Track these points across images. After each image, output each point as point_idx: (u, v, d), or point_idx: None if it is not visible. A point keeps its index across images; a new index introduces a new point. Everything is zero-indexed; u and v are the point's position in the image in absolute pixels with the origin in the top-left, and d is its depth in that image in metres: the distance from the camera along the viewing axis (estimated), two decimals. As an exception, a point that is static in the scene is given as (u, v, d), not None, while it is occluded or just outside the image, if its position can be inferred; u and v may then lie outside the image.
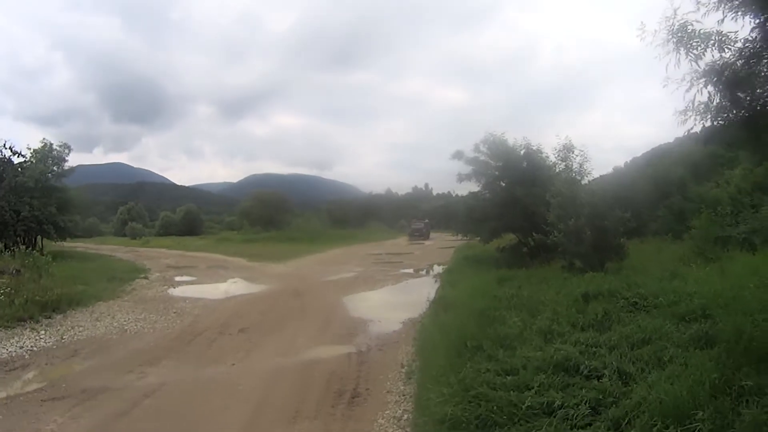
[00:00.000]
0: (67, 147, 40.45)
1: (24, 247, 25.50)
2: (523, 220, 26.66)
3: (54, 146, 39.52)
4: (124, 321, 17.14)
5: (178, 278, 29.58)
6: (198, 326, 16.59)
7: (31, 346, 13.74)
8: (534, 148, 28.66)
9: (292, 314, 18.37)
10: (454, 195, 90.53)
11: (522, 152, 28.62)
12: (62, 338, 14.67)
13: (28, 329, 15.27)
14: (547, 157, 28.16)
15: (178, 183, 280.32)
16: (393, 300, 21.89)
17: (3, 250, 24.22)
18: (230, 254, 45.32)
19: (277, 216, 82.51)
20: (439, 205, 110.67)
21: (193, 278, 29.82)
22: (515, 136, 29.08)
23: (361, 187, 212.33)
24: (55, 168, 39.25)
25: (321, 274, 30.27)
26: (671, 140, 69.32)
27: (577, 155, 26.36)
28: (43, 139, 39.22)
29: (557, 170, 27.13)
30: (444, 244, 54.74)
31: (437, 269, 31.95)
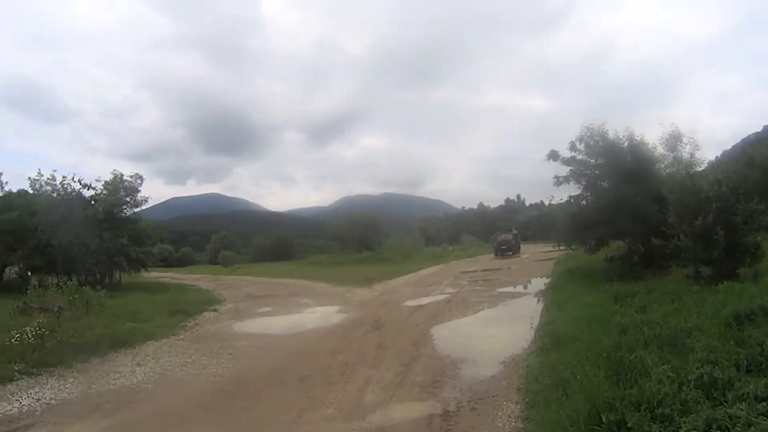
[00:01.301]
0: (139, 177, 39.07)
1: (93, 278, 24.29)
2: (634, 223, 22.79)
3: (125, 177, 38.08)
4: (169, 365, 14.95)
5: (251, 309, 26.94)
6: (251, 372, 14.16)
7: (50, 399, 11.90)
8: (638, 139, 24.85)
9: (367, 354, 15.15)
10: (547, 204, 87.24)
11: (625, 145, 24.82)
12: (89, 388, 12.73)
13: (55, 377, 13.50)
14: (654, 148, 24.70)
15: (272, 209, 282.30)
16: (490, 329, 18.23)
17: (53, 285, 21.87)
18: (316, 279, 42.34)
19: (367, 237, 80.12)
20: (533, 215, 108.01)
21: (268, 309, 27.06)
22: (615, 128, 25.36)
23: (453, 203, 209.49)
24: (127, 199, 37.72)
25: (409, 299, 27.03)
26: (759, 129, 65.83)
27: (686, 143, 23.78)
28: (114, 170, 37.86)
29: (666, 162, 24.35)
30: (540, 256, 50.58)
31: (538, 285, 28.16)
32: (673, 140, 23.81)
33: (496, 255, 63.41)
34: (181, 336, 19.47)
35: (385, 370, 13.07)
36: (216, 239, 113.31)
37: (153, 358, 15.68)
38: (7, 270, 33.80)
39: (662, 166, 24.57)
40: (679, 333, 10.39)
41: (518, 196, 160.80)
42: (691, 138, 23.80)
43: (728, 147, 65.92)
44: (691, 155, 23.78)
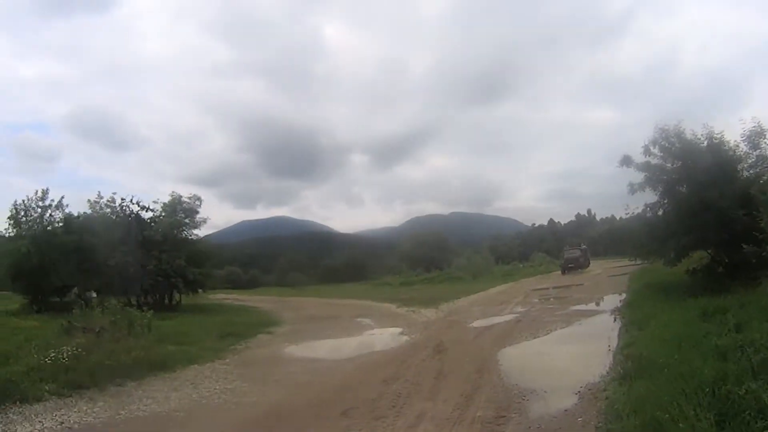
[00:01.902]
0: (197, 199, 38.98)
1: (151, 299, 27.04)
2: (719, 230, 20.50)
3: (183, 198, 37.80)
4: (207, 392, 13.92)
5: (308, 332, 25.62)
6: (293, 403, 12.68)
7: (75, 422, 11.23)
8: (718, 138, 22.62)
9: (425, 383, 13.39)
10: (618, 218, 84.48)
11: (704, 145, 22.67)
12: (117, 413, 11.88)
13: (85, 399, 12.80)
14: (737, 146, 22.34)
15: (341, 231, 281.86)
16: (562, 353, 16.22)
17: (100, 305, 21.17)
18: (382, 300, 40.90)
19: (437, 256, 78.66)
20: (604, 230, 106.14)
21: (326, 331, 25.62)
22: (692, 128, 23.22)
23: (523, 221, 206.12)
24: (186, 220, 37.67)
25: (476, 319, 25.17)
26: None
27: (772, 139, 20.81)
28: (173, 192, 37.18)
29: (750, 161, 22.06)
30: (614, 271, 47.88)
31: (613, 302, 25.93)
32: (757, 137, 21.48)
33: (563, 272, 60.20)
34: (227, 360, 18.35)
35: (443, 403, 11.39)
36: (284, 261, 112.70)
37: (191, 384, 14.68)
38: (71, 292, 33.11)
39: (745, 165, 22.30)
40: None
41: (588, 211, 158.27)
42: None
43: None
44: (778, 153, 21.47)
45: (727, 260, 22.00)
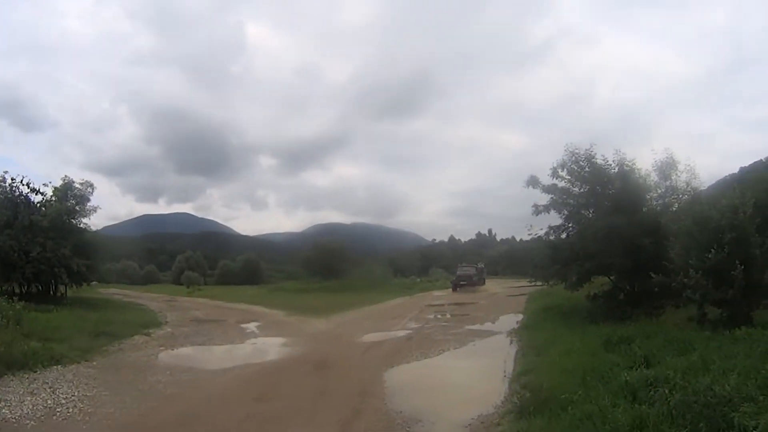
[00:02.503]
0: (90, 185, 35.41)
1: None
2: (625, 257, 19.67)
3: (75, 184, 34.58)
4: (64, 398, 12.05)
5: (188, 336, 23.79)
6: (153, 418, 10.96)
7: None
8: (629, 165, 21.91)
9: (301, 404, 11.93)
10: (519, 240, 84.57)
11: (614, 171, 21.95)
12: None
13: None
14: (648, 175, 21.77)
15: (243, 233, 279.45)
16: (454, 376, 14.94)
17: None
18: (273, 306, 38.96)
19: (337, 265, 77.26)
20: (504, 250, 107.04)
21: (207, 337, 23.73)
22: (603, 153, 22.49)
23: (424, 235, 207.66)
24: (77, 207, 34.58)
25: (366, 334, 23.68)
26: (736, 170, 63.67)
27: (682, 171, 20.99)
28: (65, 176, 34.43)
29: (659, 191, 21.62)
30: (511, 291, 47.41)
31: (510, 323, 25.06)
32: (668, 168, 21.01)
33: (454, 289, 56.81)
34: (95, 362, 16.51)
35: (317, 429, 10.04)
36: (181, 259, 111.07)
37: (50, 388, 12.86)
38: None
39: (655, 195, 21.82)
40: (717, 402, 7.34)
41: (489, 231, 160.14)
42: (688, 166, 20.94)
43: (704, 188, 63.77)
44: (687, 184, 20.92)
45: (629, 288, 21.28)
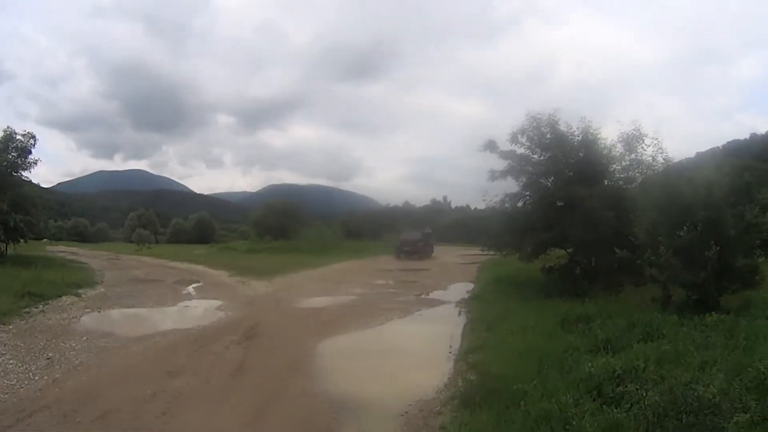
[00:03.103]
0: (32, 137, 33.17)
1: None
2: (585, 230, 18.22)
3: (17, 135, 32.34)
4: None
5: (120, 297, 22.03)
6: (49, 394, 9.46)
7: None
8: (593, 134, 20.54)
9: (218, 380, 10.52)
10: (473, 208, 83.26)
11: (578, 139, 20.53)
12: None
13: None
14: (613, 145, 20.39)
15: (197, 191, 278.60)
16: (395, 351, 13.41)
17: None
18: (218, 266, 37.20)
19: (289, 226, 75.78)
20: (458, 218, 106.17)
21: (139, 299, 21.99)
22: (566, 119, 20.90)
23: (379, 200, 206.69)
24: (18, 160, 32.86)
25: (308, 298, 22.30)
26: (692, 155, 63.46)
27: (648, 145, 19.64)
28: (7, 127, 32.47)
29: (623, 164, 20.39)
30: (463, 259, 45.92)
31: (461, 292, 23.78)
32: (635, 140, 19.69)
33: (398, 257, 49.05)
34: (11, 326, 14.85)
35: (229, 414, 8.62)
36: (133, 217, 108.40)
37: None
38: None
39: (618, 167, 20.55)
40: (701, 407, 6.07)
41: (444, 198, 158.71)
42: (656, 139, 19.63)
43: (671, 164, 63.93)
44: (653, 158, 19.67)
45: (586, 262, 20.13)
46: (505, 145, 21.52)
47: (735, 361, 7.77)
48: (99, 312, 18.31)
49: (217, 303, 20.79)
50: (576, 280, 19.47)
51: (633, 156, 19.93)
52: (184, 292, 24.54)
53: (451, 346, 12.92)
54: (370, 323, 16.62)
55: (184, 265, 40.25)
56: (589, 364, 8.34)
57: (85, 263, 38.37)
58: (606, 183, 20.19)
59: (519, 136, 21.05)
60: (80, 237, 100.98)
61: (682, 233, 12.71)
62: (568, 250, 20.74)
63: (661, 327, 11.01)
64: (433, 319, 17.74)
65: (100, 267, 36.08)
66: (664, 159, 19.32)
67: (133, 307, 20.05)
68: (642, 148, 19.77)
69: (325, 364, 11.65)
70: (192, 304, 20.92)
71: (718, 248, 12.27)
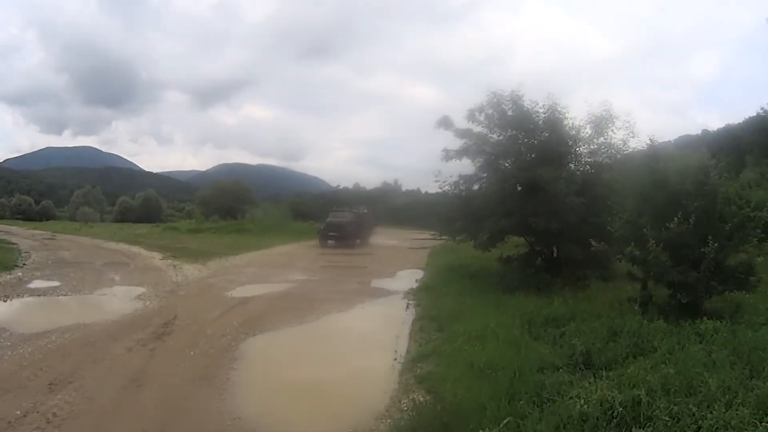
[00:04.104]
0: None
1: None
2: (549, 218, 16.10)
3: None
4: None
5: (32, 283, 19.87)
6: None
7: None
8: (561, 112, 18.26)
9: (105, 396, 8.26)
10: (424, 192, 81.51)
11: (543, 118, 18.24)
12: None
13: None
14: (582, 127, 18.26)
15: (147, 169, 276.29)
16: (331, 357, 11.11)
17: None
18: (153, 248, 34.72)
19: (236, 206, 73.67)
20: (408, 202, 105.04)
21: (56, 284, 19.61)
22: (531, 96, 18.62)
23: (330, 181, 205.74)
24: None
25: (241, 285, 20.03)
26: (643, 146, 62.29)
27: (619, 128, 17.52)
28: None
29: (591, 147, 18.39)
30: (415, 243, 43.79)
31: (409, 280, 21.72)
32: (604, 122, 17.66)
33: (322, 244, 39.61)
34: None
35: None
36: (79, 195, 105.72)
37: None
38: None
39: (586, 150, 18.55)
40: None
41: (395, 181, 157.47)
42: (627, 122, 17.57)
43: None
44: (624, 142, 17.66)
45: (548, 252, 18.19)
46: (461, 123, 19.40)
47: (764, 395, 6.00)
48: (4, 301, 16.12)
49: (139, 290, 18.36)
50: (537, 272, 17.40)
51: (602, 139, 17.95)
52: (108, 277, 22.06)
53: (396, 350, 10.82)
54: (305, 317, 14.39)
55: (120, 246, 37.76)
56: (580, 400, 6.21)
57: (14, 243, 36.33)
58: (572, 167, 18.25)
59: (477, 114, 18.87)
60: (24, 215, 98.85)
61: (672, 225, 10.74)
62: (529, 239, 18.68)
63: (650, 336, 9.21)
64: (377, 314, 15.68)
65: (28, 247, 34.14)
66: (639, 143, 17.31)
67: (46, 294, 17.71)
68: (612, 131, 17.79)
69: (243, 374, 9.39)
70: (110, 292, 18.48)
71: (716, 245, 10.34)
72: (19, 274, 21.86)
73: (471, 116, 18.98)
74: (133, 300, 16.71)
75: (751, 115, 48.53)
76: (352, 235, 40.81)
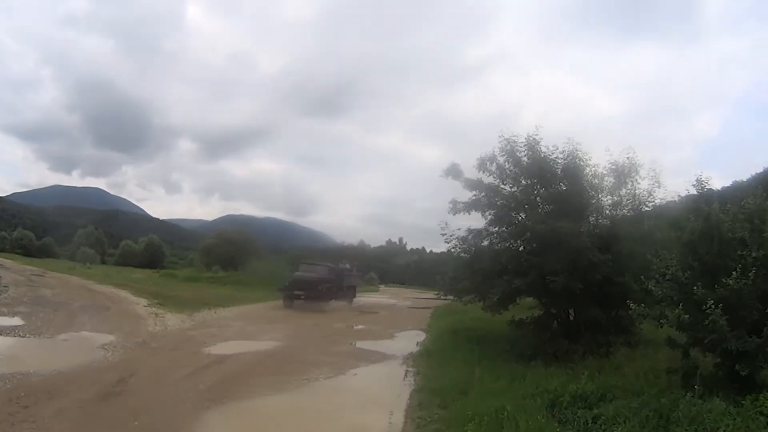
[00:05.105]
0: None
1: None
2: (571, 276, 13.93)
3: None
4: None
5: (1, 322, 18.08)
6: None
7: None
8: (584, 159, 16.36)
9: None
10: (429, 251, 79.75)
11: (561, 166, 16.28)
12: None
13: None
14: (603, 176, 16.41)
15: (153, 215, 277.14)
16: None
17: None
18: (141, 293, 32.41)
19: (238, 256, 71.96)
20: (413, 260, 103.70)
21: (21, 324, 17.84)
22: (546, 143, 16.66)
23: (335, 237, 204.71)
24: None
25: (223, 341, 17.85)
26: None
27: (644, 177, 15.89)
28: None
29: (614, 198, 16.44)
30: (415, 303, 42.04)
31: (409, 342, 19.86)
32: (628, 170, 15.83)
33: (286, 304, 32.16)
34: None
35: None
36: (81, 234, 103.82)
37: None
38: None
39: (608, 202, 16.52)
40: None
41: (400, 240, 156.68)
42: (653, 170, 15.85)
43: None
44: (649, 193, 15.90)
45: (564, 315, 16.19)
46: (471, 174, 17.45)
47: None
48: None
49: (107, 339, 16.27)
50: (554, 338, 15.38)
51: (624, 191, 16.15)
52: (79, 320, 20.01)
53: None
54: (285, 383, 12.18)
55: (107, 289, 35.62)
56: None
57: (-6, 280, 34.01)
58: (593, 220, 16.36)
59: (488, 164, 16.95)
60: (24, 250, 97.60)
61: (730, 281, 8.65)
62: (543, 300, 16.41)
63: (711, 421, 7.29)
64: (370, 384, 13.36)
65: (11, 282, 32.65)
66: (665, 194, 15.83)
67: (2, 334, 15.90)
68: (635, 181, 16.01)
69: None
70: (74, 337, 16.51)
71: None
72: (-11, 312, 19.88)
73: (482, 166, 17.05)
74: (95, 349, 14.62)
75: (758, 171, 46.89)
76: (324, 294, 33.00)
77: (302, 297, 31.77)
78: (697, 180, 11.51)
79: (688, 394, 8.28)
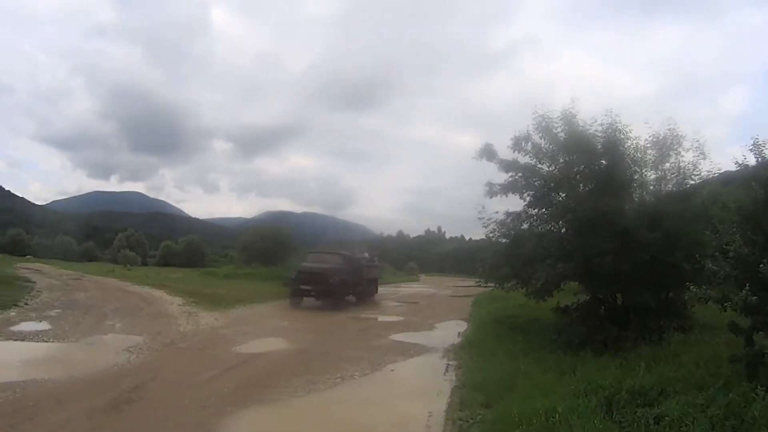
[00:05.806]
0: None
1: None
2: (620, 258, 12.92)
3: None
4: None
5: (23, 326, 17.46)
6: None
7: None
8: (624, 132, 15.05)
9: None
10: (467, 239, 78.63)
11: (600, 141, 14.91)
12: None
13: None
14: (645, 149, 15.28)
15: (193, 215, 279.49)
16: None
17: None
18: (176, 292, 31.44)
19: (277, 252, 71.50)
20: (452, 248, 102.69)
21: (46, 328, 17.17)
22: (583, 116, 15.52)
23: (374, 229, 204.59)
24: None
25: (256, 338, 17.08)
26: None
27: (687, 149, 14.75)
28: None
29: (656, 173, 15.48)
30: (459, 291, 41.28)
31: (450, 333, 19.04)
32: (670, 143, 14.79)
33: (293, 303, 27.13)
34: None
35: None
36: (121, 237, 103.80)
37: None
38: None
39: (653, 176, 15.47)
40: None
41: (439, 228, 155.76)
42: (697, 141, 14.69)
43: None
44: (694, 165, 14.78)
45: (612, 300, 15.15)
46: (506, 153, 16.43)
47: None
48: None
49: (135, 340, 15.64)
50: (602, 325, 14.20)
51: (667, 164, 15.12)
52: (108, 323, 19.34)
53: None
54: (317, 382, 11.38)
55: (143, 290, 34.44)
56: None
57: (33, 282, 33.49)
58: (637, 196, 15.39)
59: (523, 143, 16.02)
60: (65, 255, 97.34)
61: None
62: (589, 285, 15.34)
63: None
64: (409, 380, 12.56)
65: (45, 286, 31.51)
66: (697, 168, 14.88)
67: (24, 338, 15.37)
68: (678, 153, 14.98)
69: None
70: (100, 341, 15.83)
71: None
72: (12, 313, 19.75)
73: (516, 145, 16.11)
74: (120, 352, 13.91)
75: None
76: (338, 289, 27.24)
77: (311, 293, 27.03)
78: (754, 144, 10.31)
79: (758, 387, 7.27)
